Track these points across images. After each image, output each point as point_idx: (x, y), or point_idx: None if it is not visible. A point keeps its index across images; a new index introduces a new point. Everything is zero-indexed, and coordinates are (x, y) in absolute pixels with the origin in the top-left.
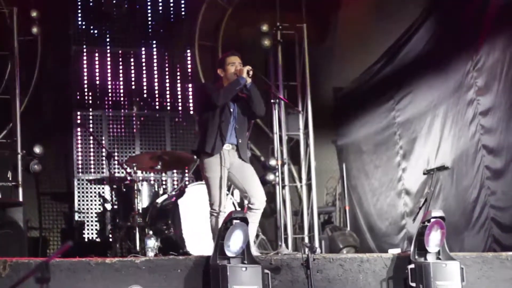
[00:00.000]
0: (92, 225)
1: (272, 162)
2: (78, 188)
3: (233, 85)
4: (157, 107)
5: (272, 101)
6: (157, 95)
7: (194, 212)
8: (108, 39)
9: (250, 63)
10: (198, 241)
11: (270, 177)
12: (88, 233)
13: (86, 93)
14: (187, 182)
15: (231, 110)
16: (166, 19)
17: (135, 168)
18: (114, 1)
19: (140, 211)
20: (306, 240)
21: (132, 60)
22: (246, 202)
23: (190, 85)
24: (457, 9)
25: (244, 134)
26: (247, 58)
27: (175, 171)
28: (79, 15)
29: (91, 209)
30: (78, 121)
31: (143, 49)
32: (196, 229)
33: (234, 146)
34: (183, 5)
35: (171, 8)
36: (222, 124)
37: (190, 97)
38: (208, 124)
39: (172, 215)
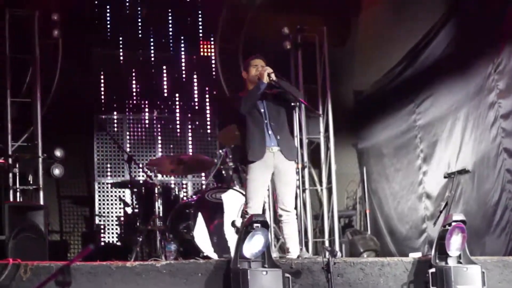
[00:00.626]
0: (112, 229)
1: None
2: (99, 191)
3: (253, 91)
4: (178, 110)
5: (292, 104)
6: (178, 98)
7: (222, 213)
8: (129, 43)
9: (271, 66)
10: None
11: None
12: (108, 237)
13: (107, 96)
14: (206, 185)
15: (261, 110)
16: (187, 22)
17: (155, 172)
18: (138, 7)
19: (161, 214)
20: (327, 244)
21: (153, 63)
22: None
23: (212, 89)
24: (477, 11)
25: (283, 129)
26: (268, 60)
27: (195, 174)
28: (101, 17)
29: (112, 212)
30: (99, 125)
31: (163, 52)
32: (223, 231)
33: (277, 147)
34: (204, 8)
35: (193, 11)
36: (256, 128)
37: (210, 100)
38: (245, 131)
39: (205, 213)
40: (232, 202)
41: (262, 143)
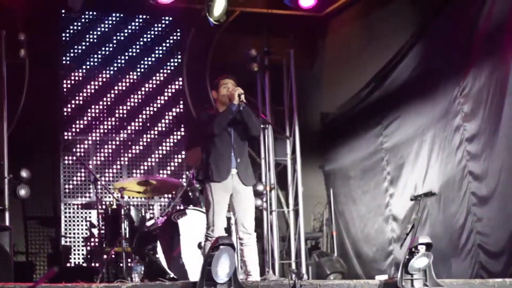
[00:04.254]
0: (78, 250)
1: (260, 187)
2: (65, 212)
3: (225, 113)
4: (144, 132)
5: (262, 126)
6: (144, 120)
7: (188, 235)
8: (96, 64)
9: (239, 88)
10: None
11: (258, 202)
12: (74, 258)
13: (73, 117)
14: (175, 207)
15: (229, 131)
16: (154, 44)
17: (122, 193)
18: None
19: (127, 236)
20: (293, 266)
21: (119, 84)
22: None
23: (179, 110)
24: (444, 35)
25: (244, 153)
26: (235, 81)
27: (162, 196)
28: (67, 39)
29: (78, 233)
30: (65, 145)
31: (131, 74)
32: (189, 253)
33: (235, 170)
34: (171, 31)
35: (160, 33)
36: (223, 148)
37: (177, 121)
38: (210, 150)
39: (171, 234)
40: (193, 224)
41: (228, 164)
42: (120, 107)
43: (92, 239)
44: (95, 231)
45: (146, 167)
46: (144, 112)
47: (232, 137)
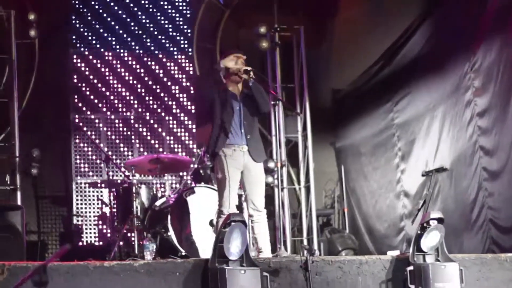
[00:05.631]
0: (90, 229)
1: (271, 165)
2: (77, 191)
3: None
4: (155, 110)
5: (272, 102)
6: (155, 98)
7: (200, 212)
8: (105, 42)
9: (249, 65)
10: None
11: (269, 179)
12: (86, 237)
13: (84, 96)
14: (183, 185)
15: (233, 107)
16: (164, 21)
17: (133, 171)
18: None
19: (139, 214)
20: (305, 242)
21: (129, 62)
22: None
23: (189, 88)
24: (454, 11)
25: (254, 130)
26: (245, 60)
27: (173, 174)
28: (77, 17)
29: (90, 212)
30: (76, 124)
31: (140, 51)
32: (201, 230)
33: (246, 147)
34: (181, 7)
35: (169, 10)
36: (226, 124)
37: (187, 99)
38: (214, 126)
39: (182, 212)
40: (204, 201)
41: (229, 138)
42: (131, 85)
43: (104, 218)
44: (106, 209)
45: (157, 145)
46: (154, 90)
47: (242, 114)
